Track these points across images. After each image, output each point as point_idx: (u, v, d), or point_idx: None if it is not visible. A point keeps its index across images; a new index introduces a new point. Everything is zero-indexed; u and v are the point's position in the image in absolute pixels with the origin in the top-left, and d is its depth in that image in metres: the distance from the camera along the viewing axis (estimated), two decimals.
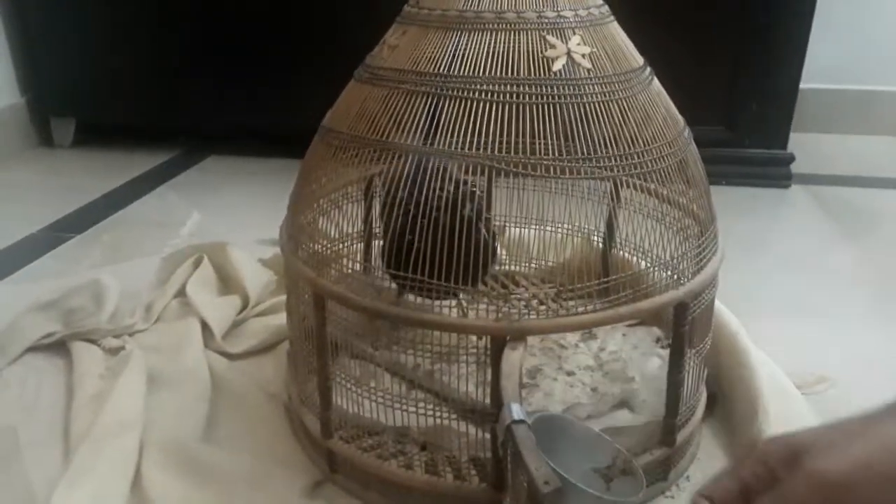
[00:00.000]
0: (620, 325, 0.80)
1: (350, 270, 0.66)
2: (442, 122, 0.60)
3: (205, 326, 0.93)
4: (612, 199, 0.73)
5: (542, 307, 0.59)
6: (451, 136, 0.59)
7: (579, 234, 0.84)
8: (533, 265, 0.90)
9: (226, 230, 1.17)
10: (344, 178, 0.73)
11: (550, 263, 0.86)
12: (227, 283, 1.02)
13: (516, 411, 0.52)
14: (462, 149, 0.59)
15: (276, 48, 1.61)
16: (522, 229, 0.87)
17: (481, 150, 0.59)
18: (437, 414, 0.65)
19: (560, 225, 0.83)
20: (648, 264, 0.64)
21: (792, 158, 1.60)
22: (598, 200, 0.76)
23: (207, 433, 0.78)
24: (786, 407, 0.74)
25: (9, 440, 0.77)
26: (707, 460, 0.74)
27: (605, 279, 0.61)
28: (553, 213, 0.80)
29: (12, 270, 1.15)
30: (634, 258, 0.76)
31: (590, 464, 0.56)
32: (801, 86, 1.56)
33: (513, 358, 0.56)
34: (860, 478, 0.40)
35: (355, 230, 0.77)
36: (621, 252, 0.80)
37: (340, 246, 0.73)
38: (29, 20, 1.68)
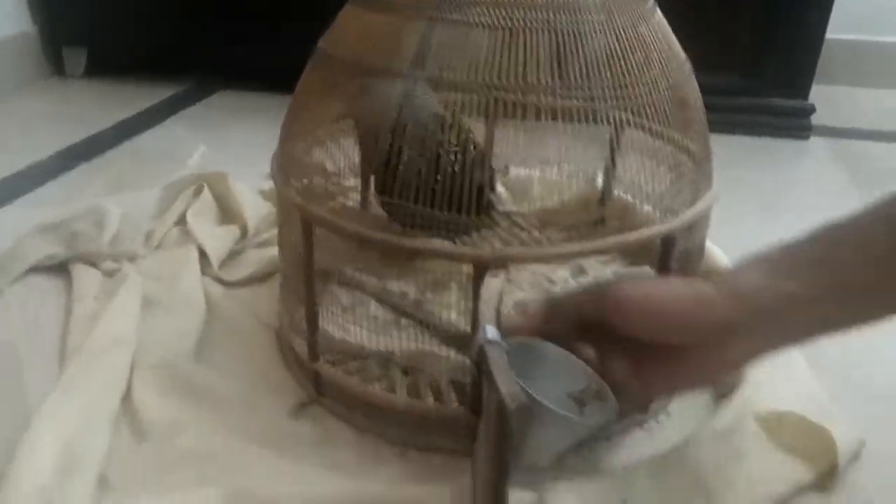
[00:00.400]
0: (613, 263, 0.79)
1: (346, 203, 0.66)
2: (432, 47, 0.59)
3: (203, 254, 0.93)
4: (613, 139, 0.72)
5: (525, 234, 0.58)
6: (441, 61, 0.58)
7: (577, 175, 0.82)
8: (529, 205, 0.89)
9: (231, 163, 1.16)
10: (336, 107, 0.72)
11: (539, 203, 0.85)
12: (227, 212, 1.02)
13: (490, 332, 0.52)
14: (452, 75, 0.58)
15: None
16: (518, 169, 0.86)
17: (470, 77, 0.58)
18: (421, 339, 0.65)
19: (555, 164, 0.82)
20: (637, 197, 0.63)
21: (812, 109, 1.56)
22: (596, 139, 0.75)
23: (200, 357, 0.78)
24: None
25: (8, 357, 0.79)
26: (692, 396, 0.74)
27: (592, 211, 0.60)
28: (548, 151, 0.79)
29: (17, 196, 1.16)
30: (625, 192, 0.75)
31: (565, 389, 0.56)
32: (828, 35, 1.52)
33: (493, 284, 0.56)
34: (637, 301, 0.51)
35: (349, 163, 0.76)
36: (614, 189, 0.79)
37: (331, 181, 0.73)
38: None
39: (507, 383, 0.49)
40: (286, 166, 0.70)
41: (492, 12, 0.59)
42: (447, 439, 0.66)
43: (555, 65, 0.57)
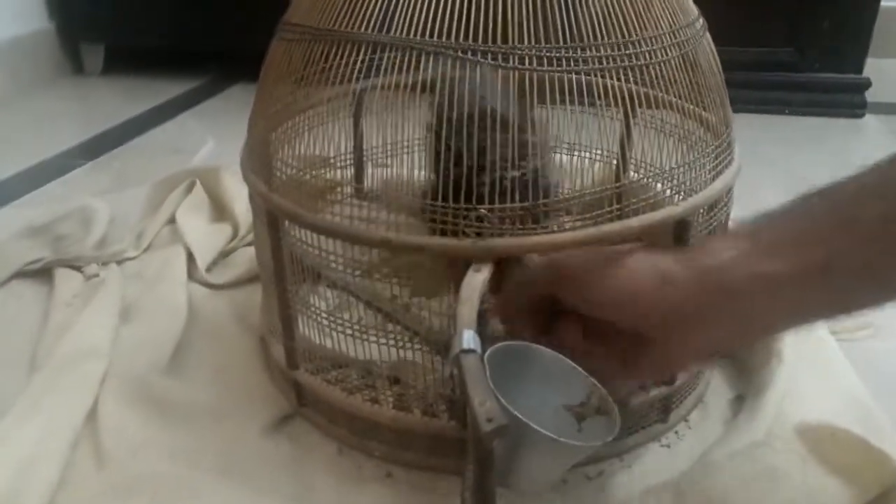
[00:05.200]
0: None
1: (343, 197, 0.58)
2: (399, 6, 0.51)
3: (191, 255, 0.87)
4: (626, 116, 0.63)
5: (510, 226, 0.50)
6: (410, 23, 0.50)
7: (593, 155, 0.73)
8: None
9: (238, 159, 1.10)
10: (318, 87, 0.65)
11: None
12: (219, 209, 0.95)
13: (467, 340, 0.44)
14: (422, 37, 0.50)
15: None
16: None
17: (444, 37, 0.50)
18: (407, 347, 0.58)
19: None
20: (643, 177, 0.54)
21: (868, 84, 1.44)
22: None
23: (176, 367, 0.72)
24: (811, 349, 0.64)
25: None
26: (715, 404, 0.65)
27: (581, 193, 0.51)
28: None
29: (17, 196, 1.11)
30: (637, 171, 0.65)
31: (563, 400, 0.48)
32: (883, 3, 1.39)
33: (475, 281, 0.48)
34: (592, 287, 0.47)
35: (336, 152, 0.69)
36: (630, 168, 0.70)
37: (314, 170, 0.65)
38: None
39: (483, 400, 0.41)
40: (257, 149, 0.63)
41: None
42: (436, 457, 0.59)
43: (538, 22, 0.48)
